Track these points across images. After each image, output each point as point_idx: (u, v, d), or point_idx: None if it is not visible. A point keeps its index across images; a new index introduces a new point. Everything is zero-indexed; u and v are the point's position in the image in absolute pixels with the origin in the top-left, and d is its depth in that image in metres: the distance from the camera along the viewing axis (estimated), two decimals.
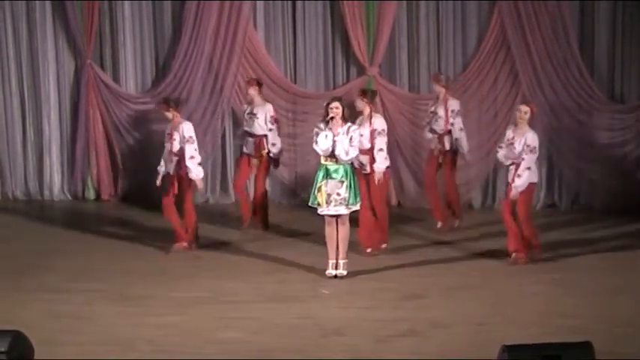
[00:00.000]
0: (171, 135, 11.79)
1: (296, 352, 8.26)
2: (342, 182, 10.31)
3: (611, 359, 7.49)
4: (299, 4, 14.32)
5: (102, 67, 14.82)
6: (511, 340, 6.70)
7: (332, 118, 10.33)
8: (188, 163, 11.63)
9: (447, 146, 12.66)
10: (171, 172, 11.75)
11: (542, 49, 13.53)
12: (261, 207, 12.91)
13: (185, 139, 11.67)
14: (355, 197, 10.39)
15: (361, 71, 14.18)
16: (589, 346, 6.44)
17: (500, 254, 11.35)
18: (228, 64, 14.31)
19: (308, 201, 10.61)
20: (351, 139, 10.32)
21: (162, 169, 11.86)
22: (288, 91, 14.28)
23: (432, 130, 12.86)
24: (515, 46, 13.62)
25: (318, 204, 10.39)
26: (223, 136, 14.60)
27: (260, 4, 14.38)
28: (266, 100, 12.94)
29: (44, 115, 14.97)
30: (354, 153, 10.39)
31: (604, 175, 13.61)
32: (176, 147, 11.69)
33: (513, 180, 10.90)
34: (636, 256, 11.27)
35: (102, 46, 14.82)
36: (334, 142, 10.28)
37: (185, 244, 11.80)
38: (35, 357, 6.98)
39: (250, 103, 12.87)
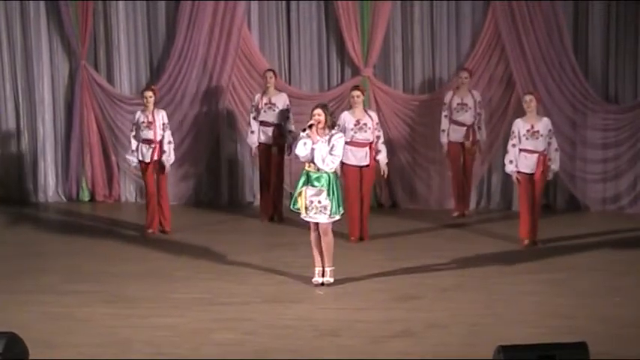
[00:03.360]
0: (152, 122, 12.34)
1: (292, 353, 8.27)
2: (322, 191, 10.10)
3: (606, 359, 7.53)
4: (293, 4, 14.34)
5: (96, 68, 14.83)
6: (506, 341, 6.72)
7: (310, 125, 10.13)
8: (168, 147, 12.47)
9: (478, 136, 13.35)
10: (147, 160, 12.43)
11: (537, 49, 13.57)
12: (279, 199, 13.42)
13: (165, 125, 12.48)
14: (338, 206, 10.16)
15: (356, 72, 14.20)
16: (584, 347, 6.45)
17: (495, 254, 11.39)
18: (223, 64, 14.33)
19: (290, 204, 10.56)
20: (332, 147, 10.07)
21: (134, 158, 12.53)
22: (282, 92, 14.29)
23: (459, 122, 13.12)
24: (509, 46, 13.66)
25: (298, 209, 10.29)
26: (217, 137, 14.60)
27: (254, 5, 14.40)
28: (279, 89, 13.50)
29: (39, 116, 14.98)
30: (331, 161, 10.09)
31: (598, 176, 13.65)
32: (159, 134, 12.41)
33: (546, 165, 11.58)
34: (631, 257, 11.29)
35: (96, 48, 14.82)
36: (312, 150, 10.08)
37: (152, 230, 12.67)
38: (31, 358, 6.99)
39: (264, 93, 13.25)
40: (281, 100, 13.21)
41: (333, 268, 10.36)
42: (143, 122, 12.41)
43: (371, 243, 12.15)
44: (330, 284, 10.32)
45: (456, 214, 13.47)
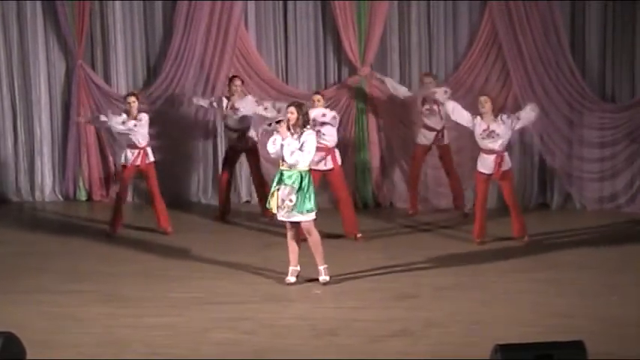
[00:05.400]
0: (137, 126, 12.35)
1: (290, 353, 8.28)
2: (294, 188, 10.06)
3: (604, 359, 7.54)
4: (290, 4, 14.33)
5: (93, 67, 14.81)
6: (504, 340, 6.72)
7: (279, 121, 10.16)
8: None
9: (446, 140, 13.26)
10: (129, 164, 12.41)
11: (534, 49, 13.57)
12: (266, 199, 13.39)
13: (144, 125, 12.42)
14: (310, 205, 10.09)
15: (352, 71, 14.20)
16: (581, 346, 6.46)
17: (491, 254, 11.41)
18: (220, 64, 14.31)
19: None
20: (302, 144, 10.04)
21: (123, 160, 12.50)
22: (279, 91, 14.27)
23: (429, 127, 13.10)
24: (506, 46, 13.65)
25: (271, 208, 10.26)
26: (215, 137, 14.60)
27: (251, 5, 14.39)
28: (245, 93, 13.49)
29: (35, 116, 14.95)
30: (300, 157, 10.03)
31: (595, 175, 13.66)
32: (146, 139, 12.42)
33: (500, 165, 11.61)
34: (628, 256, 11.30)
35: (93, 47, 14.80)
36: (282, 146, 10.06)
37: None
38: (29, 358, 6.99)
39: (230, 96, 13.20)
40: (246, 106, 13.14)
41: (326, 266, 10.37)
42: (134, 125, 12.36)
43: (368, 242, 12.15)
44: (326, 282, 10.34)
45: (410, 212, 13.45)
